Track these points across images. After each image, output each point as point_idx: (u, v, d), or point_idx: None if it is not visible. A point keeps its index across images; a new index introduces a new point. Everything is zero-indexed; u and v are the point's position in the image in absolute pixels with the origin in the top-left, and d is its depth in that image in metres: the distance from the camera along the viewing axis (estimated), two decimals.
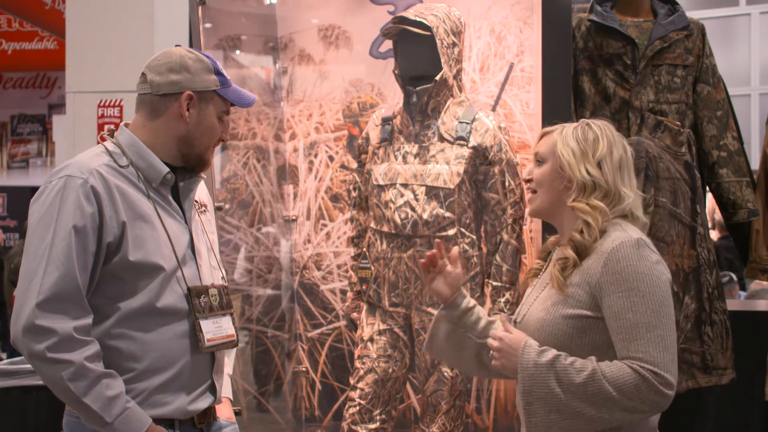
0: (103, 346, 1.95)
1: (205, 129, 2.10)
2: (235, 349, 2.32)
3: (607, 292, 1.93)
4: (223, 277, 2.24)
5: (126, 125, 2.12)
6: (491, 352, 2.04)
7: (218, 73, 2.11)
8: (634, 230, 2.01)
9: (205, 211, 2.24)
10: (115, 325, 1.97)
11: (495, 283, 2.86)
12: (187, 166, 2.13)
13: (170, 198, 2.10)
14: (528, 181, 2.15)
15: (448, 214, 2.87)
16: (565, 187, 2.06)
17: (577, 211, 2.02)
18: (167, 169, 2.07)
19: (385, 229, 2.94)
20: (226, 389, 2.28)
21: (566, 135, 2.08)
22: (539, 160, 2.12)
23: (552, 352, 1.93)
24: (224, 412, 2.22)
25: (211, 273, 2.16)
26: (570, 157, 2.04)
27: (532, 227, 2.91)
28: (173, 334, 2.02)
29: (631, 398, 1.86)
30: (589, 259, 1.99)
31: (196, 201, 2.19)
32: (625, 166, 2.07)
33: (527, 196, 2.19)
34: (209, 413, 2.13)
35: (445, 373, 2.88)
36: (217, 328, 2.08)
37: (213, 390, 2.12)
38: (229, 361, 2.32)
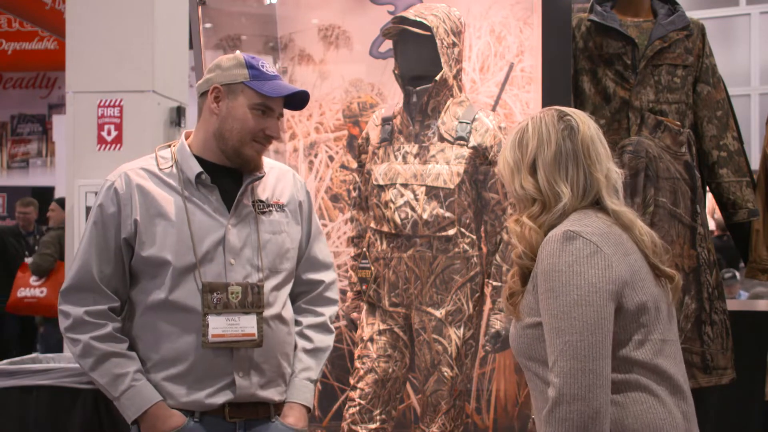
0: (134, 336, 2.12)
1: (235, 120, 2.13)
2: (322, 352, 2.27)
3: (538, 293, 1.78)
4: (261, 277, 2.16)
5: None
6: None
7: (251, 66, 2.13)
8: (576, 222, 1.78)
9: (272, 211, 2.21)
10: (141, 316, 2.12)
11: (495, 283, 2.86)
12: (231, 164, 2.16)
13: (211, 197, 2.14)
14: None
15: (448, 214, 2.88)
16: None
17: (510, 232, 1.88)
18: (200, 169, 2.13)
19: (385, 229, 2.94)
20: (299, 394, 2.21)
21: (505, 146, 1.92)
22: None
23: None
24: (289, 417, 2.17)
25: (250, 271, 2.14)
26: (505, 170, 1.89)
27: None
28: (185, 328, 2.08)
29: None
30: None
31: (262, 201, 2.19)
32: (567, 157, 1.81)
33: None
34: (249, 410, 2.11)
35: (445, 373, 2.88)
36: (230, 325, 2.08)
37: (234, 387, 2.09)
38: (314, 364, 2.25)
